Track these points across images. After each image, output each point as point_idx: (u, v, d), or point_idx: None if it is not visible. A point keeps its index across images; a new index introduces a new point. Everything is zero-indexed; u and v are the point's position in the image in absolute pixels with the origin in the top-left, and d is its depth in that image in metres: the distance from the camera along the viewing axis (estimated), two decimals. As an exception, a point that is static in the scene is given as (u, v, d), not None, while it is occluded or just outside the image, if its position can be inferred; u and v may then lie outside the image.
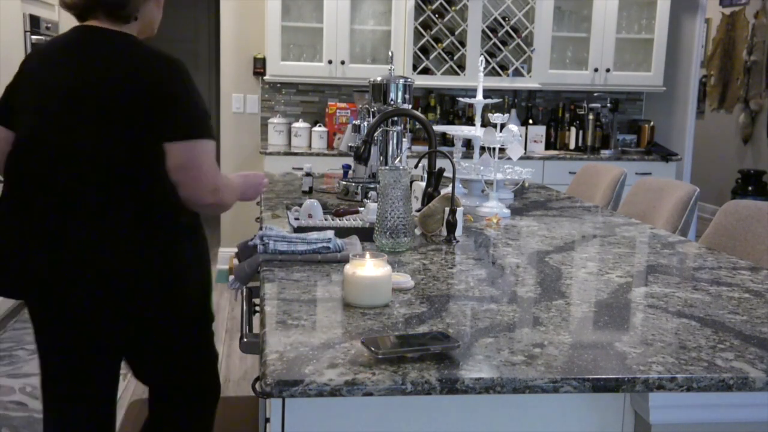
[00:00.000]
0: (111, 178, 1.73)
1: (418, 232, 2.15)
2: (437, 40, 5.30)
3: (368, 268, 1.46)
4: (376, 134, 2.75)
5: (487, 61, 5.16)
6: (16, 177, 1.82)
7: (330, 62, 5.15)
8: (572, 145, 5.63)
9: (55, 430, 1.95)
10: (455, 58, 5.30)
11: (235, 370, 3.60)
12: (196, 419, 2.06)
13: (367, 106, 2.97)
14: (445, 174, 2.40)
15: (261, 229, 1.85)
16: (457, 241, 2.10)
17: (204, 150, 1.76)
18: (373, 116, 2.89)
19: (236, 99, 5.43)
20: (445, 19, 5.29)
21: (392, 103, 2.85)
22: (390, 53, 3.16)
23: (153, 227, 1.76)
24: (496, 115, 2.64)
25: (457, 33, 5.30)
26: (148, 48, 1.81)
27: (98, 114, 1.73)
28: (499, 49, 5.37)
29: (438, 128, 3.54)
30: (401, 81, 2.85)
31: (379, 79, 2.87)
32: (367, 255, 1.48)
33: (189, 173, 1.74)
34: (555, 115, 5.72)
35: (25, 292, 1.84)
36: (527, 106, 5.70)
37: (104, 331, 1.84)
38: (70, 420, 1.94)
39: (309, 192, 2.99)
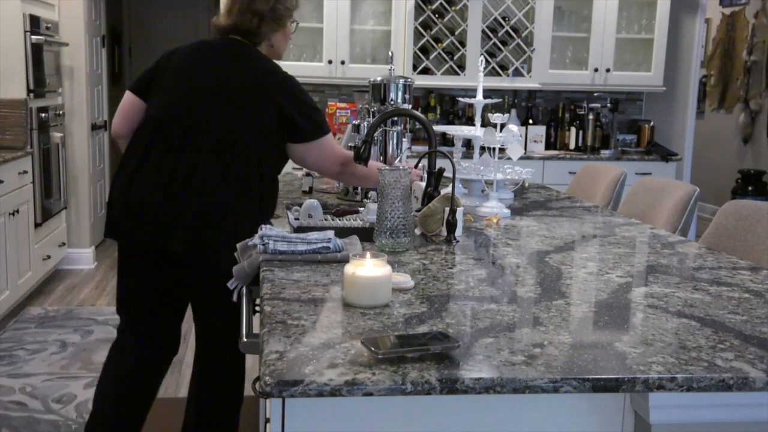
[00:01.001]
0: (231, 157, 2.17)
1: (418, 232, 2.15)
2: (437, 40, 5.30)
3: (368, 268, 1.45)
4: (376, 134, 2.75)
5: (487, 61, 5.16)
6: (152, 141, 2.22)
7: (330, 62, 5.15)
8: (572, 145, 5.63)
9: (130, 341, 2.38)
10: (455, 58, 5.30)
11: (235, 370, 3.59)
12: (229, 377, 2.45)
13: (367, 106, 2.96)
14: (445, 174, 2.40)
15: (261, 229, 1.85)
16: (457, 241, 2.10)
17: (329, 142, 2.35)
18: (373, 116, 2.88)
19: (236, 99, 5.42)
20: (445, 19, 5.29)
21: (392, 103, 2.84)
22: (390, 53, 3.16)
23: (248, 198, 2.20)
24: (496, 115, 2.64)
25: (457, 33, 5.30)
26: (275, 64, 2.33)
27: (237, 107, 2.21)
28: (499, 49, 5.37)
29: (438, 128, 3.53)
30: (401, 81, 2.85)
31: (378, 79, 2.86)
32: (367, 255, 1.48)
33: (324, 161, 2.35)
34: (555, 115, 5.73)
35: (136, 231, 2.23)
36: (527, 106, 5.70)
37: (181, 266, 2.26)
38: (145, 331, 2.38)
39: (309, 192, 2.98)
